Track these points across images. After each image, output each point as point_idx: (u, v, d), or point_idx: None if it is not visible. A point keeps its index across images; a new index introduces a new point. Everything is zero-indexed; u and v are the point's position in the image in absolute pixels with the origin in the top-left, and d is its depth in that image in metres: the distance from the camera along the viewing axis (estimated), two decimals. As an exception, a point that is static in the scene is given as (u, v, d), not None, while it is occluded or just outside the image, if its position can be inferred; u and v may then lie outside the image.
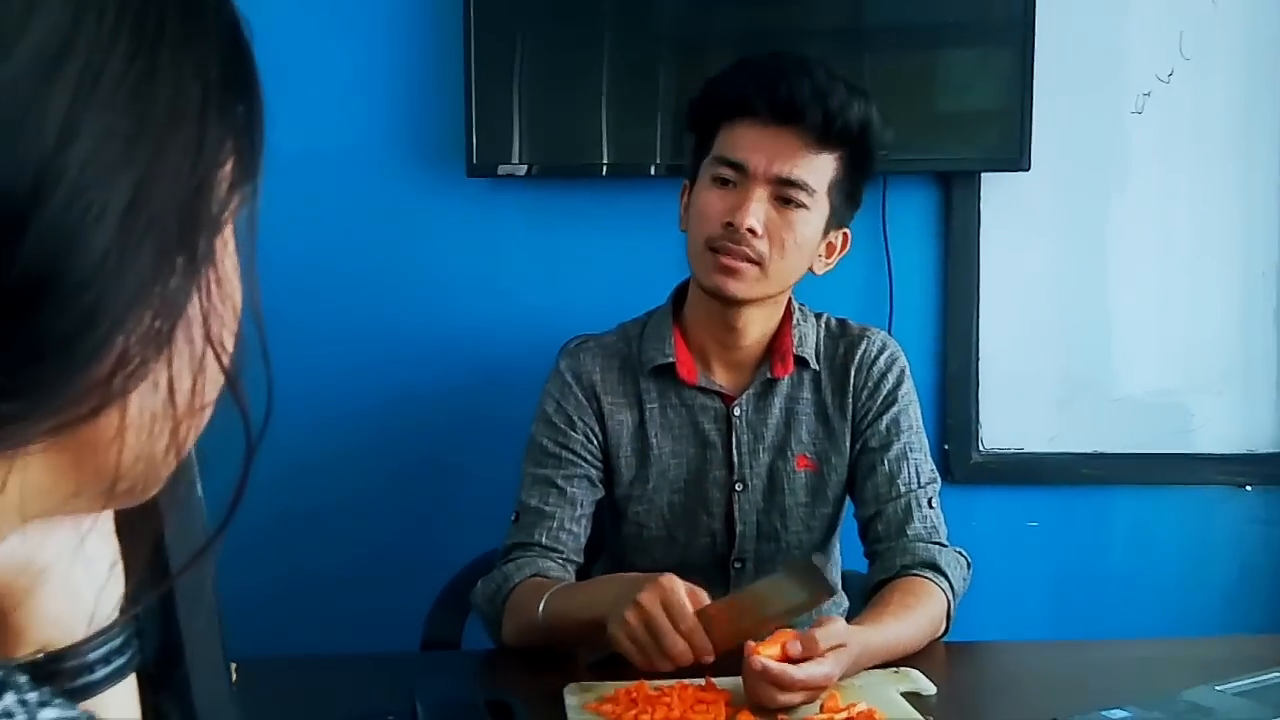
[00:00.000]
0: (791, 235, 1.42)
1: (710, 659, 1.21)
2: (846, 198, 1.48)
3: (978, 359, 2.11)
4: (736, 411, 1.52)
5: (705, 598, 1.24)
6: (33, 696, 0.36)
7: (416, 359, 2.05)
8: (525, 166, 2.00)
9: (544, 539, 1.47)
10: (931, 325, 2.11)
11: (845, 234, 1.52)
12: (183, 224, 0.39)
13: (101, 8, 0.36)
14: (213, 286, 0.42)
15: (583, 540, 1.51)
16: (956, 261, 2.10)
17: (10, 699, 0.36)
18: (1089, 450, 2.13)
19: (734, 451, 1.52)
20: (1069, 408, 2.13)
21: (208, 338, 0.42)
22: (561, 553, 1.47)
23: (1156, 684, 1.18)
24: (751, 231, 1.40)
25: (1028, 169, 2.01)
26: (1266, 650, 1.30)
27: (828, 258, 1.51)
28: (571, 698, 1.22)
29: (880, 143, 1.47)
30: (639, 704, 1.17)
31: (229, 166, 0.42)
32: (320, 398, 1.95)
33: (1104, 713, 1.09)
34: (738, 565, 1.53)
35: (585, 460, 1.51)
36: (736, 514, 1.52)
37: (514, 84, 1.97)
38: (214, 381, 0.43)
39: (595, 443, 1.52)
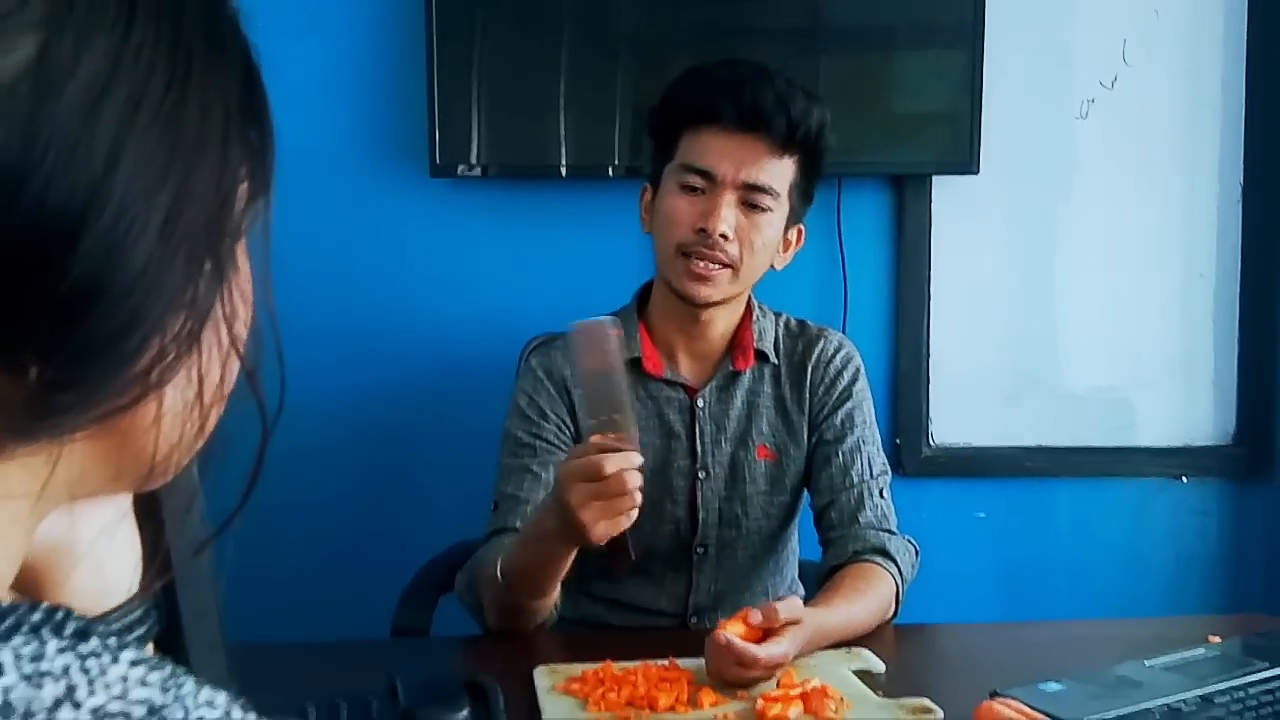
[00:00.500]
0: (759, 237, 1.49)
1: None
2: (803, 196, 1.54)
3: (928, 357, 2.18)
4: (700, 403, 1.58)
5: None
6: (113, 641, 0.40)
7: (381, 356, 2.08)
8: (485, 167, 2.03)
9: (518, 523, 1.51)
10: (884, 324, 2.17)
11: (800, 229, 1.59)
12: (210, 236, 0.44)
13: (139, 44, 0.41)
14: (234, 290, 0.47)
15: None
16: (908, 262, 2.16)
17: (95, 642, 0.40)
18: (1034, 444, 2.19)
19: (698, 441, 1.58)
20: (1016, 404, 2.20)
21: (231, 335, 0.47)
22: None
23: (1091, 660, 1.25)
24: (724, 236, 1.46)
25: (977, 172, 2.08)
26: (1194, 630, 1.37)
27: (785, 253, 1.58)
28: (542, 679, 1.26)
29: (831, 144, 1.53)
30: (606, 683, 1.21)
31: (245, 183, 0.47)
32: (287, 395, 1.97)
33: (1040, 686, 1.15)
34: (700, 551, 1.59)
35: (559, 448, 1.55)
36: (700, 501, 1.58)
37: (473, 85, 2.00)
38: (234, 374, 0.49)
39: (568, 433, 1.57)
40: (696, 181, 1.48)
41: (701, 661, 1.26)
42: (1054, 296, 2.21)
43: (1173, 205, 2.21)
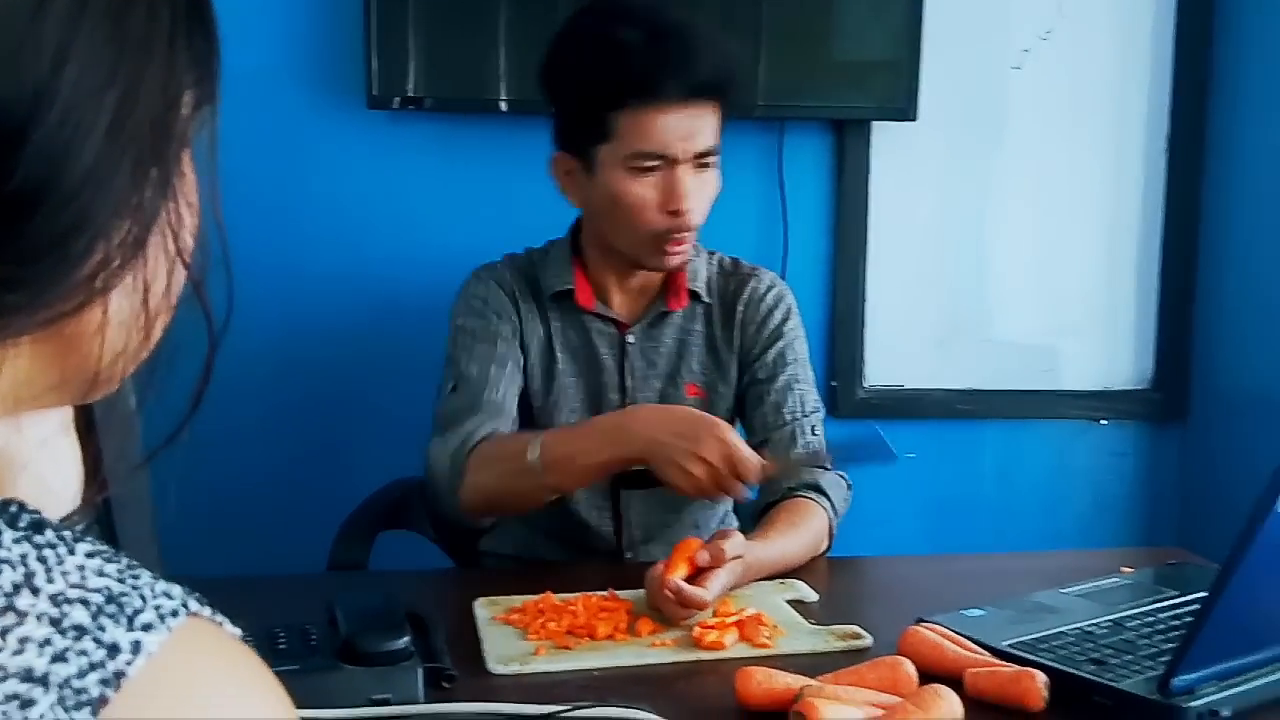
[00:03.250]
0: (711, 191, 1.50)
1: None
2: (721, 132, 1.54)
3: (864, 301, 2.21)
4: (630, 339, 1.59)
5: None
6: (68, 534, 0.41)
7: (318, 291, 2.05)
8: (421, 100, 2.00)
9: (493, 398, 1.50)
10: (823, 267, 2.20)
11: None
12: (156, 140, 0.45)
13: None
14: (179, 198, 0.47)
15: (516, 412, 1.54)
16: (847, 207, 2.18)
17: (50, 534, 0.41)
18: (964, 387, 2.25)
19: (627, 377, 1.59)
20: (947, 348, 2.25)
21: (176, 244, 0.47)
22: (509, 418, 1.50)
23: (1012, 589, 1.30)
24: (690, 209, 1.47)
25: (915, 119, 2.10)
26: (1109, 561, 1.43)
27: None
28: (481, 610, 1.27)
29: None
30: (546, 613, 1.24)
31: (192, 90, 0.47)
32: (218, 327, 1.94)
33: (963, 612, 1.21)
34: (629, 486, 1.59)
35: (514, 344, 1.55)
36: None
37: (409, 12, 1.96)
38: (180, 284, 0.49)
39: (518, 338, 1.57)
40: (651, 163, 1.45)
41: (640, 592, 1.29)
42: (985, 244, 2.25)
43: (1100, 156, 2.26)
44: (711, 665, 1.16)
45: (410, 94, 2.00)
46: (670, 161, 1.45)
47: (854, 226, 2.19)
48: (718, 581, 1.24)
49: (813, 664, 1.11)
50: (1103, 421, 2.30)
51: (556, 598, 1.28)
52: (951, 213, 2.23)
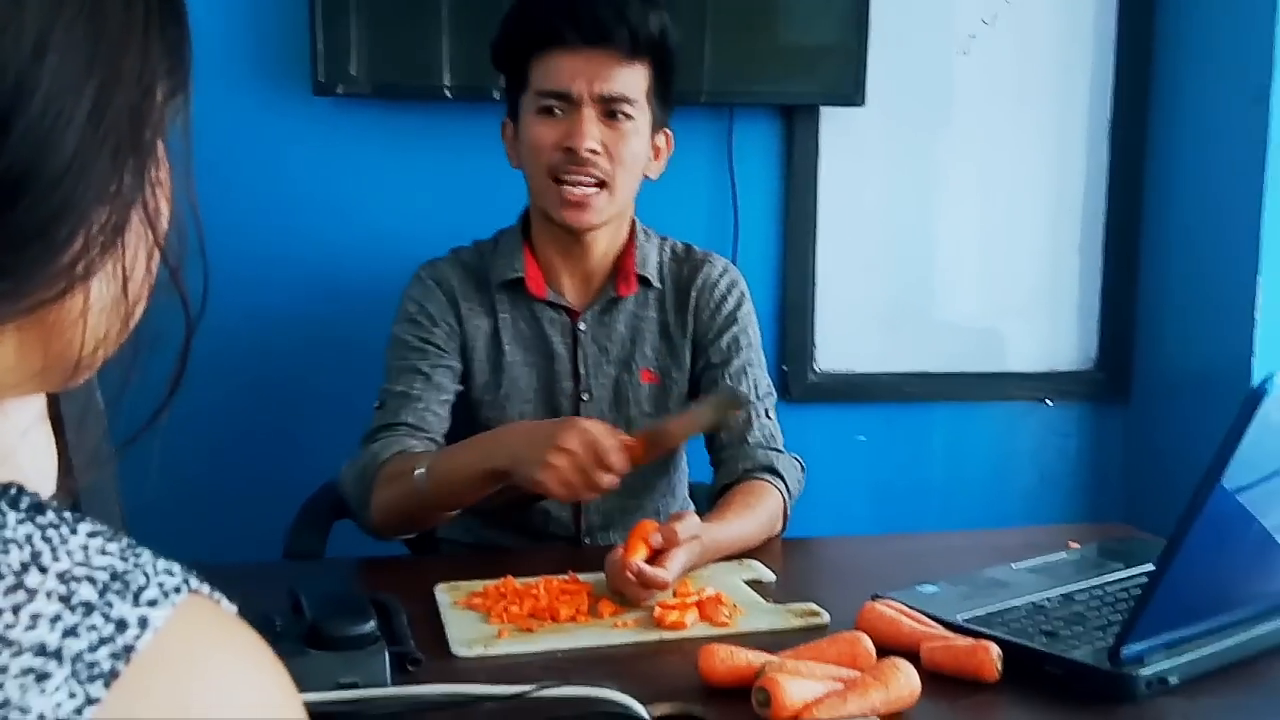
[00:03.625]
0: (626, 147, 1.51)
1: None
2: (661, 101, 1.56)
3: (815, 285, 2.23)
4: (582, 326, 1.60)
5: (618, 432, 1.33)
6: (68, 515, 0.42)
7: (265, 280, 2.02)
8: (365, 86, 1.99)
9: (410, 419, 1.51)
10: (773, 252, 2.22)
11: (667, 134, 1.60)
12: (133, 128, 0.45)
13: None
14: (156, 187, 0.48)
15: (447, 425, 1.55)
16: (797, 192, 2.21)
17: (51, 515, 0.42)
18: (912, 370, 2.28)
19: (579, 364, 1.60)
20: (895, 331, 2.28)
21: (153, 230, 0.48)
22: (427, 433, 1.52)
23: (963, 566, 1.33)
24: (593, 152, 1.48)
25: (863, 104, 2.12)
26: (1056, 538, 1.47)
27: (657, 160, 1.60)
28: (443, 595, 1.28)
29: (678, 45, 1.55)
30: (508, 597, 1.24)
31: (165, 80, 0.48)
32: (174, 317, 1.92)
33: (918, 588, 1.23)
34: None
35: (447, 353, 1.57)
36: None
37: (353, 1, 1.95)
38: (155, 270, 0.50)
39: (456, 341, 1.58)
40: (554, 104, 1.49)
41: (600, 575, 1.30)
42: (931, 227, 2.28)
43: (1044, 140, 2.30)
44: (674, 645, 1.17)
45: (355, 80, 1.99)
46: (574, 103, 1.48)
47: (803, 212, 2.22)
48: (676, 561, 1.26)
49: (773, 641, 1.13)
50: (1048, 402, 2.35)
51: (517, 581, 1.28)
52: (899, 197, 2.26)
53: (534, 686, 1.00)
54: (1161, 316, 2.29)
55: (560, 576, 1.31)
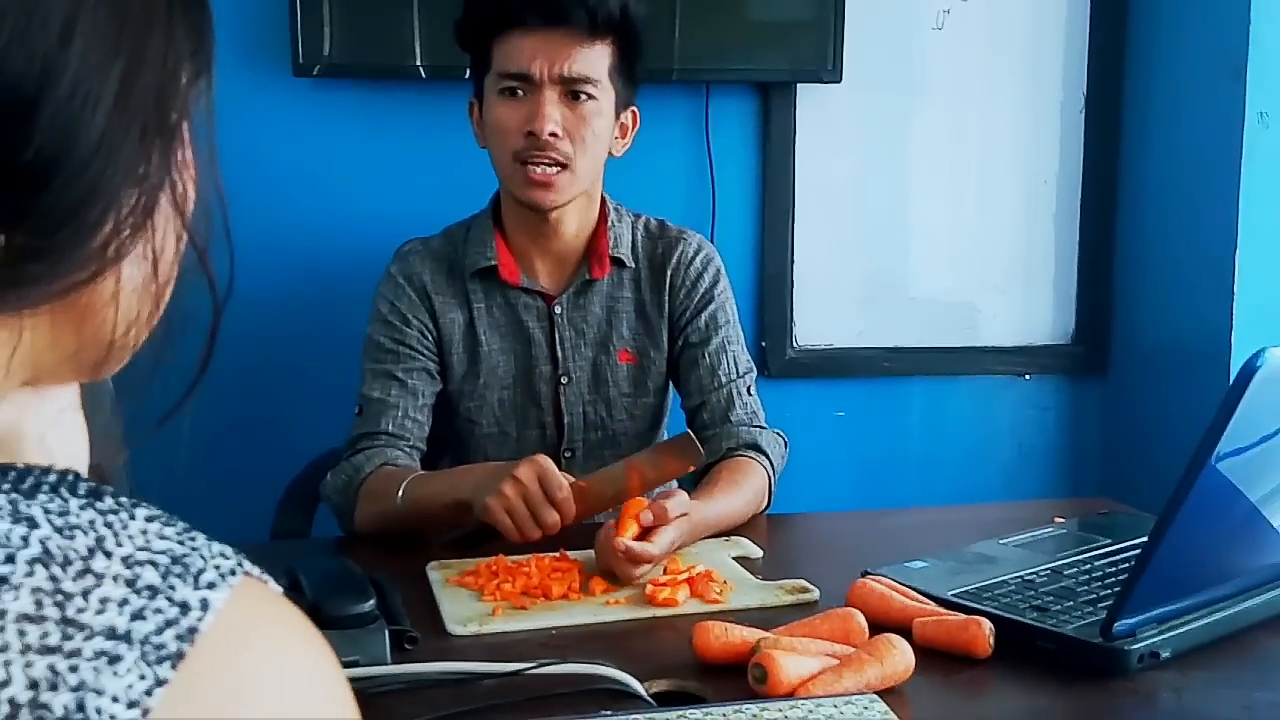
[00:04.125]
0: (588, 128, 1.50)
1: (575, 523, 1.32)
2: (626, 79, 1.55)
3: (793, 261, 2.24)
4: (558, 310, 1.60)
5: (569, 478, 1.33)
6: (125, 500, 0.43)
7: (245, 261, 2.01)
8: (339, 66, 1.98)
9: (390, 427, 1.52)
10: (751, 229, 2.22)
11: (633, 112, 1.60)
12: (159, 110, 0.46)
13: None
14: (182, 168, 0.48)
15: (426, 429, 1.57)
16: (774, 169, 2.21)
17: (110, 501, 0.42)
18: (890, 345, 2.29)
19: (557, 347, 1.60)
20: (872, 307, 2.29)
21: (180, 212, 0.48)
22: (408, 440, 1.53)
23: (950, 541, 1.34)
24: (553, 135, 1.47)
25: (840, 80, 2.12)
26: (1040, 512, 1.48)
27: (623, 138, 1.59)
28: (435, 573, 1.28)
29: (642, 22, 1.54)
30: (500, 575, 1.25)
31: (189, 61, 0.48)
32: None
33: (907, 564, 1.24)
34: (568, 455, 1.62)
35: (422, 354, 1.57)
36: (564, 406, 1.61)
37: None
38: (182, 251, 0.50)
39: (430, 338, 1.58)
40: (516, 86, 1.49)
41: (591, 552, 1.30)
42: (908, 203, 2.29)
43: (1020, 115, 2.31)
44: (666, 621, 1.18)
45: (332, 61, 1.97)
46: (535, 85, 1.48)
47: (780, 188, 2.22)
48: (665, 537, 1.27)
49: (764, 618, 1.13)
50: (1026, 376, 2.37)
51: (509, 559, 1.28)
52: (875, 172, 2.27)
53: (534, 664, 1.00)
54: (1139, 289, 2.31)
55: (550, 554, 1.31)
